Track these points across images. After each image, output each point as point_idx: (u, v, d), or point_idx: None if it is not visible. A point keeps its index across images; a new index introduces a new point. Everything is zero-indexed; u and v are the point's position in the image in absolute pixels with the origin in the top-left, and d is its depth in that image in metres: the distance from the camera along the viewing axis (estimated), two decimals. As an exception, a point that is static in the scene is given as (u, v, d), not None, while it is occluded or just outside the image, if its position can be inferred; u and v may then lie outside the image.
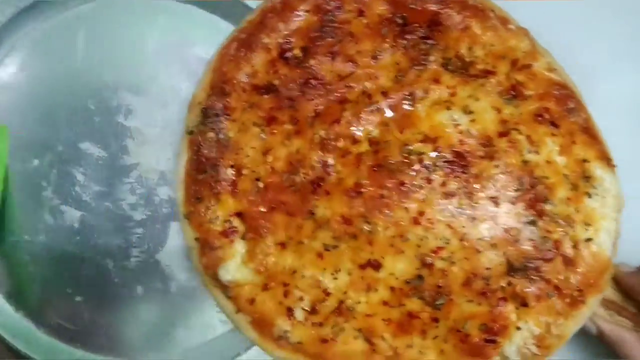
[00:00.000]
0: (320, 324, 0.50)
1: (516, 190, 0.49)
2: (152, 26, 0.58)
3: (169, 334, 0.54)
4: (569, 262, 0.47)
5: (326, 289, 0.50)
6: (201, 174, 0.53)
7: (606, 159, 0.51)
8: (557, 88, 0.52)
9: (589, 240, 0.48)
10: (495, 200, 0.49)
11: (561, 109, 0.52)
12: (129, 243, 0.56)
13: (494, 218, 0.49)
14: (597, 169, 0.50)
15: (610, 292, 0.50)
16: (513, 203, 0.49)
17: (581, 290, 0.47)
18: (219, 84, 0.54)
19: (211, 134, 0.53)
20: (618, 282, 0.49)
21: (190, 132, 0.54)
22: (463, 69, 0.53)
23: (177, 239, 0.55)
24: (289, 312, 0.51)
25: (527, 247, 0.48)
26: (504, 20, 0.54)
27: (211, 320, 0.55)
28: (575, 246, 0.48)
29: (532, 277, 0.48)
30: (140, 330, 0.55)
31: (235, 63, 0.54)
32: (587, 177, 0.50)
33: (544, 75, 0.52)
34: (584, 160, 0.50)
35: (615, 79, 0.59)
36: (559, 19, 0.59)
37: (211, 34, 0.57)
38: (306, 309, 0.50)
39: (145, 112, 0.58)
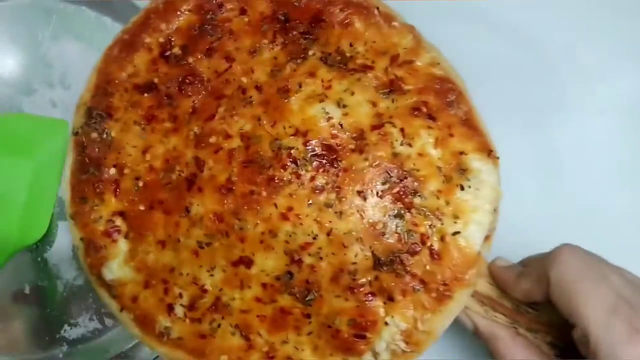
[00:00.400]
0: (199, 320, 0.50)
1: (383, 184, 0.48)
2: (45, 27, 0.59)
3: (55, 331, 0.55)
4: (436, 256, 0.46)
5: (203, 286, 0.50)
6: (84, 174, 0.53)
7: (487, 151, 0.50)
8: (438, 82, 0.51)
9: (456, 233, 0.47)
10: (362, 194, 0.48)
11: (440, 102, 0.50)
12: (18, 243, 0.57)
13: (360, 212, 0.48)
14: (474, 161, 0.49)
15: (487, 288, 0.48)
16: (380, 197, 0.48)
17: (447, 285, 0.46)
18: (103, 85, 0.54)
19: (94, 134, 0.54)
20: (494, 277, 0.48)
21: (76, 133, 0.55)
22: (342, 63, 0.52)
23: (65, 238, 0.56)
24: (170, 308, 0.51)
25: (392, 240, 0.47)
26: (388, 17, 0.53)
27: (97, 318, 0.55)
28: (442, 239, 0.47)
29: (398, 271, 0.46)
30: (27, 328, 0.56)
31: (118, 64, 0.54)
32: (462, 170, 0.49)
33: (426, 70, 0.51)
34: (461, 153, 0.49)
35: (615, 79, 0.58)
36: (559, 18, 0.59)
37: (103, 35, 0.58)
38: (185, 305, 0.50)
39: (38, 112, 0.59)
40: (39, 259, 0.56)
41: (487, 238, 0.48)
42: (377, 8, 0.53)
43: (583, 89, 0.57)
